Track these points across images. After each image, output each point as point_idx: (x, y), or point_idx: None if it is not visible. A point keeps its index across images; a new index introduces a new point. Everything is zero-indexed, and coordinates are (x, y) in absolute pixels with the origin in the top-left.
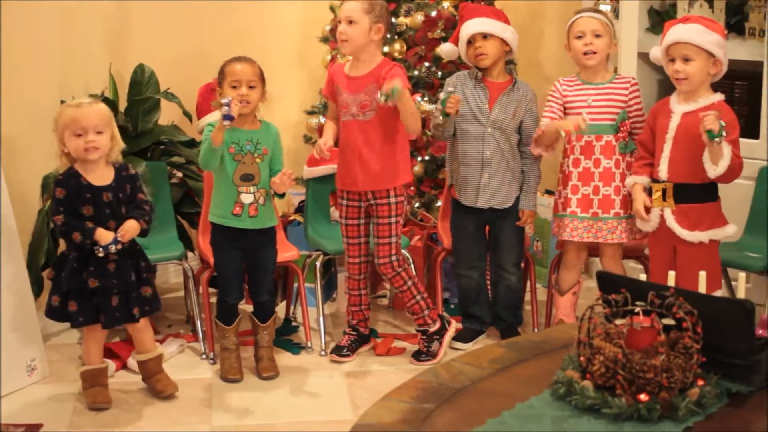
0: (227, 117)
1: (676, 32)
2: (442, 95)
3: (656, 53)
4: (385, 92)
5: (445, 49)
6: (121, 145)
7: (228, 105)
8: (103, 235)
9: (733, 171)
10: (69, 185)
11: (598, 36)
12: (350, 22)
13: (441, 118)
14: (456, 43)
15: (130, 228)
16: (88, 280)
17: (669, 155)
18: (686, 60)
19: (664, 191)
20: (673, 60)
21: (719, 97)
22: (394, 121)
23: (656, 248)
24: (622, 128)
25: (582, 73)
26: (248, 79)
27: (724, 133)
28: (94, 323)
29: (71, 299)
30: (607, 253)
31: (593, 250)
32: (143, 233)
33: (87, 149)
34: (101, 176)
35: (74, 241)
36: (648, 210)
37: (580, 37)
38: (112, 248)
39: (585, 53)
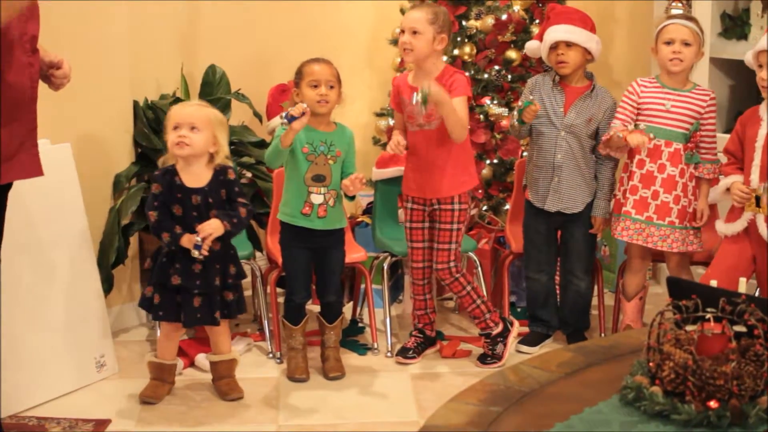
0: (288, 118)
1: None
2: (520, 102)
3: (749, 58)
4: (421, 96)
5: (531, 47)
6: (226, 152)
7: (288, 111)
8: (190, 241)
9: None
10: (164, 182)
11: (687, 45)
12: (414, 32)
13: (516, 123)
14: (541, 40)
15: (208, 227)
16: (172, 277)
17: (760, 163)
18: None
19: (757, 198)
20: (761, 66)
21: None
22: None
23: (731, 254)
24: (692, 139)
25: (663, 77)
26: (327, 79)
27: None
28: (173, 320)
29: (156, 292)
30: (673, 260)
31: (658, 255)
32: (228, 235)
33: (177, 143)
34: (196, 178)
35: (164, 240)
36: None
37: (669, 43)
38: (195, 253)
39: (671, 60)
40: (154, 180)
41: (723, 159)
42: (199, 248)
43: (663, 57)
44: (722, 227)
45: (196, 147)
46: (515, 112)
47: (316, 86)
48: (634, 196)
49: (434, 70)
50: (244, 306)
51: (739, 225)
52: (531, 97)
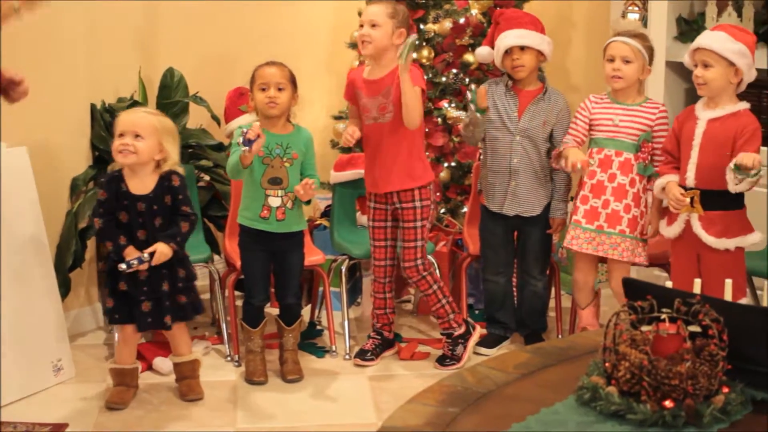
0: (245, 143)
1: (700, 38)
2: (469, 94)
3: (686, 59)
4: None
5: (481, 53)
6: (175, 159)
7: (244, 135)
8: (132, 255)
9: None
10: (110, 188)
11: (627, 62)
12: (373, 25)
13: (477, 114)
14: (490, 45)
15: (160, 255)
16: (119, 283)
17: (696, 162)
18: (706, 66)
19: (692, 198)
20: (696, 65)
21: (744, 105)
22: None
23: (679, 255)
24: (643, 149)
25: (612, 92)
26: (276, 82)
27: (755, 178)
28: (127, 323)
29: (109, 296)
30: (617, 271)
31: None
32: (177, 252)
33: (120, 151)
34: (142, 184)
35: (107, 248)
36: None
37: (611, 61)
38: (135, 264)
39: (612, 77)
40: (100, 186)
41: None
42: (129, 264)
43: (606, 74)
44: (663, 230)
45: (140, 155)
46: (471, 106)
47: (264, 89)
48: (584, 206)
49: (390, 64)
50: (200, 307)
51: (677, 227)
52: (473, 86)
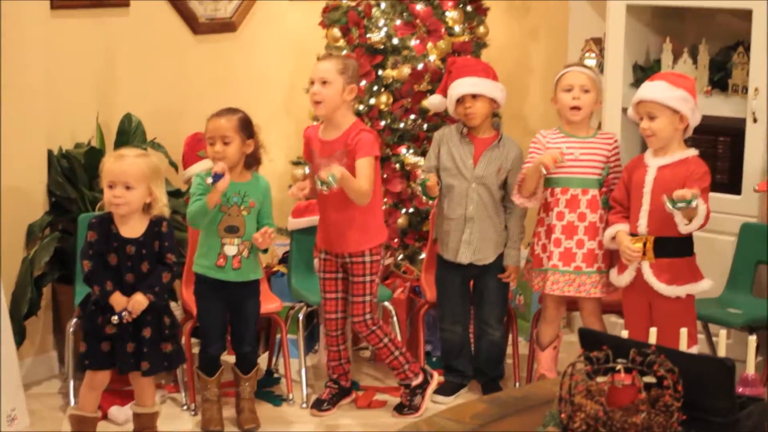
0: (216, 177)
1: (640, 91)
2: (419, 183)
3: (630, 112)
4: (323, 180)
5: (433, 102)
6: (164, 202)
7: (213, 174)
8: (118, 302)
9: (703, 221)
10: (100, 230)
11: (586, 91)
12: (324, 82)
13: (425, 199)
14: (443, 94)
15: (136, 303)
16: (105, 326)
17: (648, 209)
18: (651, 117)
19: (644, 245)
20: (641, 118)
21: (693, 152)
22: None
23: (632, 303)
24: (606, 183)
25: (565, 127)
26: (221, 135)
27: (693, 203)
28: (100, 368)
29: (84, 340)
30: (587, 308)
31: (572, 304)
32: (157, 301)
33: (113, 204)
34: (132, 228)
35: (94, 292)
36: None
37: (568, 91)
38: (126, 315)
39: (571, 108)
40: (90, 228)
41: None
42: (120, 316)
43: (564, 105)
44: (615, 278)
45: (132, 205)
46: (419, 188)
47: (212, 143)
48: (558, 249)
49: (344, 123)
50: (184, 356)
51: (628, 276)
52: (423, 176)
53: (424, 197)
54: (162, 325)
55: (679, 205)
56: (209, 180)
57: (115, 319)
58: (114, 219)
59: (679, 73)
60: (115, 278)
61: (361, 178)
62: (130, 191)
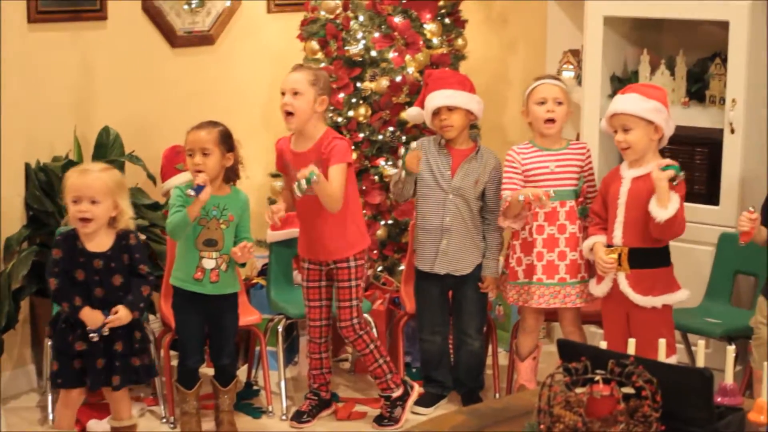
0: (198, 189)
1: (614, 104)
2: (402, 151)
3: (603, 125)
4: (304, 176)
5: (411, 114)
6: (129, 214)
7: (195, 185)
8: (89, 317)
9: (678, 223)
10: (66, 247)
11: (559, 103)
12: (295, 93)
13: (404, 174)
14: (421, 106)
15: (118, 319)
16: (76, 343)
17: (623, 220)
18: (626, 130)
19: (619, 256)
20: (616, 131)
21: (668, 162)
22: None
23: (610, 313)
24: (582, 193)
25: (537, 140)
26: (201, 147)
27: (681, 174)
28: (73, 386)
29: (54, 359)
30: (567, 318)
31: (551, 314)
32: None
33: (80, 220)
34: (98, 242)
35: (63, 309)
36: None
37: (541, 103)
38: (95, 337)
39: (546, 121)
40: (56, 245)
41: None
42: (99, 331)
43: (537, 118)
44: (593, 288)
45: (101, 219)
46: (400, 162)
47: (191, 155)
48: (541, 262)
49: (315, 133)
50: (154, 371)
51: (605, 286)
52: (412, 144)
53: (402, 166)
54: (132, 339)
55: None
56: (191, 192)
57: (94, 336)
58: (79, 234)
59: (651, 84)
60: (84, 294)
61: (333, 183)
62: (96, 206)
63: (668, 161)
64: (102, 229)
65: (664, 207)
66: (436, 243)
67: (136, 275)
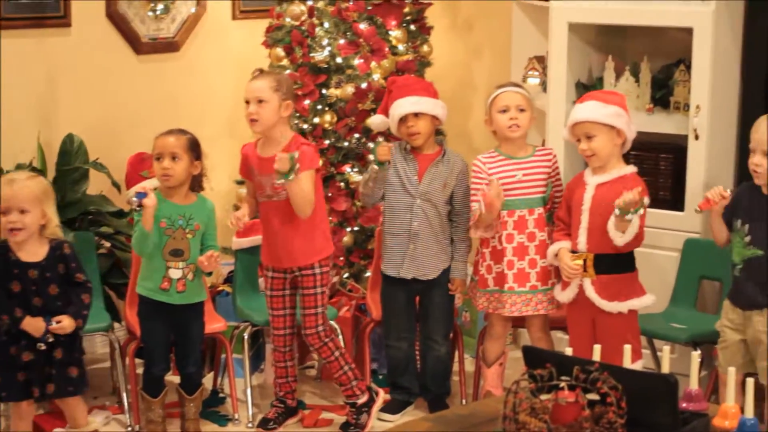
0: (139, 196)
1: (574, 113)
2: (371, 145)
3: (565, 134)
4: (282, 169)
5: (375, 122)
6: (56, 222)
7: (138, 195)
8: (32, 325)
9: (638, 237)
10: None
11: (522, 110)
12: (260, 101)
13: (375, 166)
14: (385, 114)
15: (62, 328)
16: (23, 354)
17: (587, 226)
18: (589, 137)
19: (584, 261)
20: (579, 140)
21: (632, 169)
22: None
23: (576, 319)
24: (550, 199)
25: (503, 147)
26: (170, 151)
27: (641, 211)
28: (18, 399)
29: None
30: (536, 324)
31: (518, 321)
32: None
33: (9, 230)
34: (32, 252)
35: (3, 321)
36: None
37: (504, 111)
38: (50, 337)
39: (510, 126)
40: None
41: None
42: (44, 340)
43: (501, 126)
44: (558, 294)
45: (31, 228)
46: (371, 156)
47: (159, 159)
48: (512, 271)
49: (282, 139)
50: (86, 383)
51: (570, 292)
52: (380, 139)
53: (373, 159)
54: (73, 348)
55: (629, 215)
56: (133, 199)
57: (41, 345)
58: (11, 245)
59: (609, 90)
60: (23, 304)
61: (304, 189)
62: (26, 215)
63: (630, 197)
64: (33, 239)
65: (621, 232)
66: (403, 248)
67: (74, 284)
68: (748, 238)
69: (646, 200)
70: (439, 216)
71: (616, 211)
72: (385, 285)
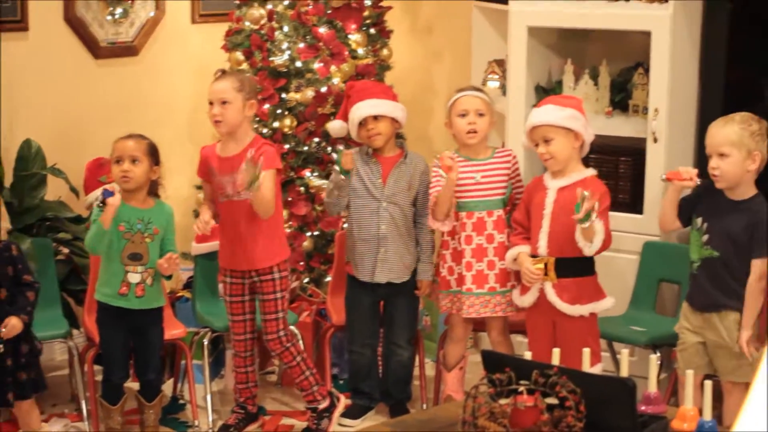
0: (105, 194)
1: (531, 118)
2: (335, 155)
3: (524, 141)
4: (250, 179)
5: (334, 127)
6: (6, 225)
7: (105, 192)
8: None
9: (605, 242)
10: None
11: (481, 115)
12: (224, 102)
13: (341, 176)
14: (344, 119)
15: (12, 329)
16: None
17: (548, 230)
18: (547, 141)
19: (545, 265)
20: (537, 144)
21: (591, 172)
22: None
23: (535, 323)
24: (510, 201)
25: (462, 149)
26: (130, 154)
27: (593, 216)
28: None
29: None
30: (496, 327)
31: (478, 324)
32: (27, 324)
33: None
34: None
35: None
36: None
37: (463, 116)
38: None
39: (468, 132)
40: None
41: None
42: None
43: (460, 130)
44: (517, 299)
45: None
46: (336, 167)
47: (119, 162)
48: (470, 272)
49: (245, 138)
50: (42, 385)
51: (531, 296)
52: (341, 147)
53: (338, 168)
54: (19, 353)
55: (589, 220)
56: (100, 196)
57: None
58: None
59: (565, 94)
60: None
61: (266, 189)
62: None
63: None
64: None
65: (589, 241)
66: (374, 252)
67: (22, 285)
68: (705, 237)
69: (597, 205)
70: (405, 218)
71: (578, 223)
72: (351, 289)
